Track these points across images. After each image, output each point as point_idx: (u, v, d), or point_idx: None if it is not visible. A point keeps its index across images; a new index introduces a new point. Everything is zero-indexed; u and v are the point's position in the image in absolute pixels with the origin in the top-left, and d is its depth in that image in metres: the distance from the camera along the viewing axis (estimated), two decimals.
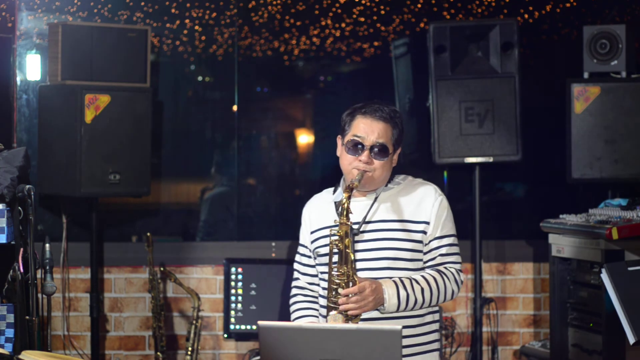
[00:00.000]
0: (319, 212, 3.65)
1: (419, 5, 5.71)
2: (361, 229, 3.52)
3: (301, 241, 3.71)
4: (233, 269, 5.27)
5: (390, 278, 3.47)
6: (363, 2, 5.70)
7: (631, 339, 3.36)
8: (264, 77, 5.83)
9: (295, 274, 3.73)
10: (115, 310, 5.47)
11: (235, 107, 5.68)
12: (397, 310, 3.45)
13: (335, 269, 3.39)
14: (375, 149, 3.52)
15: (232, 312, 5.25)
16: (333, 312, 3.39)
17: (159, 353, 5.22)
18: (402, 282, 3.46)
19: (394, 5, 5.71)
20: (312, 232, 3.65)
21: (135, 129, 5.06)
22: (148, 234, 5.27)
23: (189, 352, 5.23)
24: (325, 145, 5.87)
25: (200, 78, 5.79)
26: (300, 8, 5.68)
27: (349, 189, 3.42)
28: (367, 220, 3.54)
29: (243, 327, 5.25)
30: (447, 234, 3.60)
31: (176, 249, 5.57)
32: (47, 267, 3.60)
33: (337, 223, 3.41)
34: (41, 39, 5.41)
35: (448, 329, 5.53)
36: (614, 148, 5.21)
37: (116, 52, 5.06)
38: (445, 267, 3.58)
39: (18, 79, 5.40)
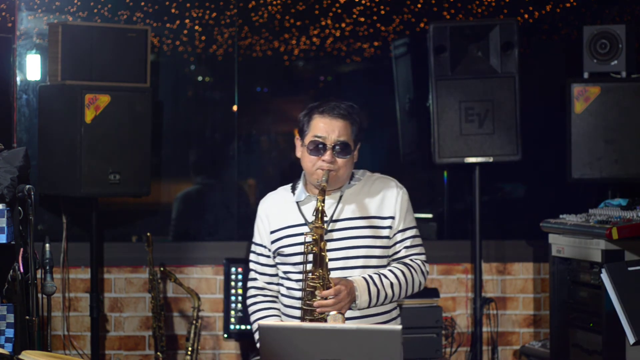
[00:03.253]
0: (278, 211, 3.63)
1: (419, 5, 5.71)
2: (330, 229, 3.52)
3: (257, 240, 3.68)
4: (233, 269, 5.27)
5: (360, 275, 3.51)
6: (363, 2, 5.70)
7: (631, 339, 3.36)
8: (264, 77, 5.83)
9: (253, 274, 3.70)
10: (115, 310, 5.47)
11: (235, 107, 5.68)
12: (369, 306, 3.49)
13: (310, 272, 3.40)
14: (337, 148, 3.52)
15: (232, 312, 5.25)
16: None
17: (159, 353, 5.22)
18: (371, 278, 3.51)
19: (394, 5, 5.71)
20: (272, 232, 3.62)
21: (135, 129, 5.06)
22: (148, 234, 5.27)
23: (189, 352, 5.23)
24: None
25: (200, 78, 5.79)
26: (300, 8, 5.68)
27: (322, 192, 3.41)
28: (334, 219, 3.54)
29: (243, 327, 5.25)
30: (410, 226, 3.64)
31: (176, 249, 5.57)
32: (47, 267, 3.60)
33: (311, 227, 3.40)
34: (41, 39, 5.41)
35: (448, 329, 5.53)
36: (614, 148, 5.21)
37: (116, 52, 5.06)
38: (411, 260, 3.63)
39: (18, 79, 5.40)
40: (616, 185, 5.37)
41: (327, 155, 3.50)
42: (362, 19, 5.71)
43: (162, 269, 5.34)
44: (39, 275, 3.62)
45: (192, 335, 5.25)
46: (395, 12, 5.72)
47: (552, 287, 5.04)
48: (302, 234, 3.51)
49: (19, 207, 3.65)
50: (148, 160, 5.12)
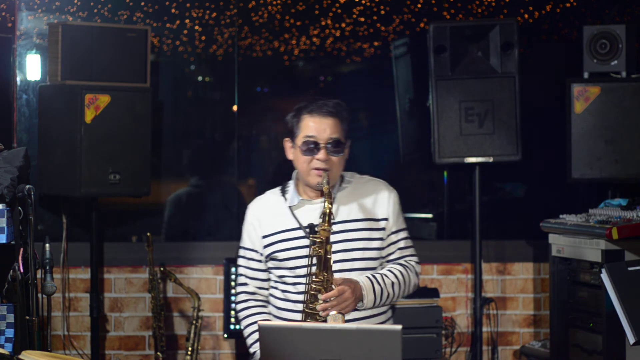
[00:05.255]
0: (270, 216, 3.61)
1: (419, 5, 5.71)
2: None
3: (248, 245, 3.65)
4: (233, 269, 5.26)
5: (359, 275, 3.51)
6: (363, 2, 5.70)
7: (631, 339, 3.36)
8: (264, 77, 5.83)
9: (243, 279, 3.67)
10: (115, 310, 5.47)
11: (235, 107, 5.68)
12: (374, 306, 3.49)
13: (314, 275, 3.39)
14: (330, 146, 3.50)
15: (232, 312, 5.25)
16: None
17: (159, 353, 5.22)
18: (374, 277, 3.52)
19: (394, 5, 5.71)
20: (264, 237, 3.60)
21: (135, 129, 5.06)
22: (148, 234, 5.27)
23: (189, 352, 5.23)
24: None
25: (200, 78, 5.79)
26: (300, 8, 5.68)
27: (329, 195, 3.39)
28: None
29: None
30: (402, 228, 3.66)
31: (176, 249, 5.57)
32: (47, 267, 3.60)
33: (318, 229, 3.40)
34: (41, 39, 5.41)
35: (448, 329, 5.53)
36: (614, 148, 5.21)
37: (116, 52, 5.06)
38: (406, 261, 3.64)
39: (18, 79, 5.40)
40: (616, 185, 5.37)
41: (321, 154, 3.49)
42: (362, 19, 5.71)
43: (162, 269, 5.34)
44: (39, 275, 3.62)
45: (192, 335, 5.25)
46: (395, 12, 5.72)
47: (552, 287, 5.04)
48: (296, 238, 3.50)
49: (19, 207, 3.65)
50: (148, 160, 5.12)
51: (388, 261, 3.62)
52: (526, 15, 5.74)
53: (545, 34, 5.80)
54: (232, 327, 5.25)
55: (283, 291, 3.57)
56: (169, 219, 5.66)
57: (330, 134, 3.51)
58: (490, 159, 5.28)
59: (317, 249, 3.38)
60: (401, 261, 3.61)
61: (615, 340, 4.38)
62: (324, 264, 3.37)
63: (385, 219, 3.59)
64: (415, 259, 3.66)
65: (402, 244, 3.62)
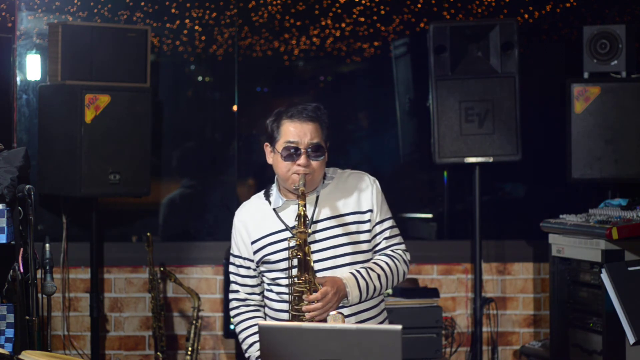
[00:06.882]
0: (256, 220, 3.61)
1: (419, 5, 5.71)
2: (312, 231, 3.52)
3: (236, 252, 3.65)
4: None
5: (348, 271, 3.52)
6: (363, 2, 5.70)
7: (631, 339, 3.37)
8: (264, 77, 5.83)
9: (234, 286, 3.67)
10: (115, 310, 5.47)
11: (235, 107, 5.68)
12: (360, 301, 3.49)
13: (296, 278, 3.39)
14: (311, 151, 3.50)
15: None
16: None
17: (159, 353, 5.22)
18: (359, 272, 3.51)
19: (394, 5, 5.71)
20: (253, 242, 3.60)
21: (135, 129, 5.06)
22: (148, 234, 5.27)
23: (189, 352, 5.23)
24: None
25: (200, 78, 5.79)
26: (300, 8, 5.68)
27: (303, 197, 3.40)
28: (315, 220, 3.54)
29: None
30: (386, 217, 3.65)
31: (176, 249, 5.56)
32: (47, 267, 3.60)
33: (294, 232, 3.40)
34: (41, 39, 5.41)
35: (448, 329, 5.53)
36: (614, 148, 5.21)
37: (116, 52, 5.06)
38: (392, 250, 3.63)
39: (18, 79, 5.41)
40: (616, 185, 5.37)
41: (302, 160, 3.49)
42: (362, 19, 5.71)
43: (162, 269, 5.34)
44: (39, 275, 3.62)
45: (192, 335, 5.25)
46: (395, 12, 5.72)
47: (552, 287, 5.04)
48: (285, 239, 3.51)
49: (19, 207, 3.65)
50: (148, 160, 5.12)
51: (375, 252, 3.62)
52: (526, 15, 5.74)
53: (545, 34, 5.80)
54: (231, 327, 5.25)
55: (278, 293, 3.57)
56: (164, 222, 5.66)
57: (311, 139, 3.50)
58: (490, 159, 5.28)
59: (295, 251, 3.38)
60: (387, 251, 3.62)
61: (615, 340, 4.38)
62: (304, 266, 3.38)
63: (370, 210, 3.59)
64: (402, 247, 3.66)
65: (387, 233, 3.63)
